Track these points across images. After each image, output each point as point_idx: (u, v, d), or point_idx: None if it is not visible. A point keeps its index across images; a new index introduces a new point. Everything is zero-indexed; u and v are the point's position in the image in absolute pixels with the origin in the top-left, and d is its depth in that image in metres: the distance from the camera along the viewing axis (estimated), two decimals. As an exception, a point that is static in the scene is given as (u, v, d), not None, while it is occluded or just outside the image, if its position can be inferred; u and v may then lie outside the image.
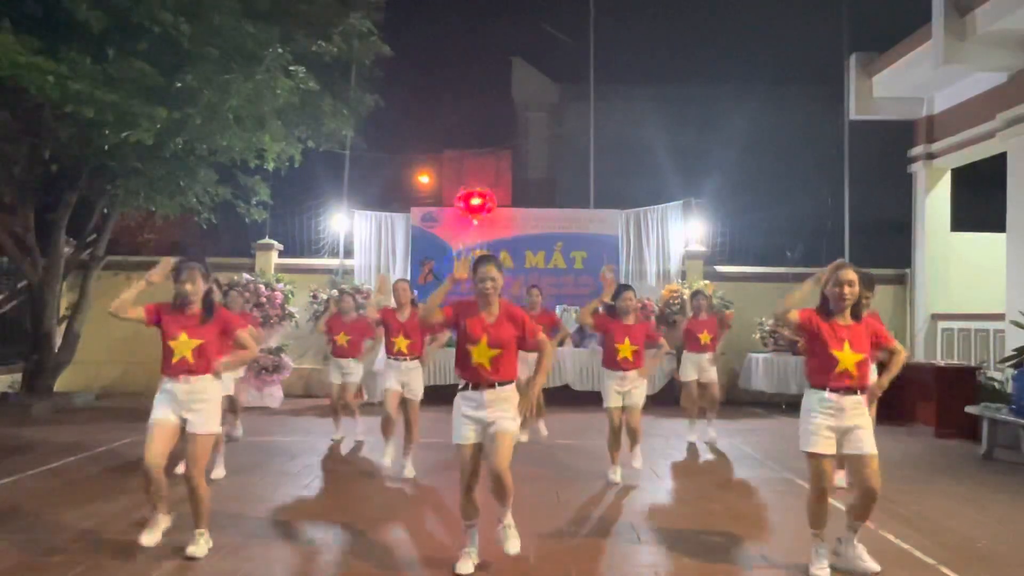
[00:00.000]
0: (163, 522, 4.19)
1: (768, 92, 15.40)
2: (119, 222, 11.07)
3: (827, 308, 4.00)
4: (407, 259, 12.00)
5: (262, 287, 10.80)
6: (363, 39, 10.67)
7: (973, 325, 10.36)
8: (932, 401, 8.71)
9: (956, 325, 10.73)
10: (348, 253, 12.08)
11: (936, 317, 11.19)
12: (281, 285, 11.05)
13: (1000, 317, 9.29)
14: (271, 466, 6.50)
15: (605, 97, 13.50)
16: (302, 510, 5.14)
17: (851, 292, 3.91)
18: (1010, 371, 7.80)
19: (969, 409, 7.72)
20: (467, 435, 3.91)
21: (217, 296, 6.13)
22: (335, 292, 10.95)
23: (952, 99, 10.79)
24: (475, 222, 11.95)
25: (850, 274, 3.92)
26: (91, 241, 10.87)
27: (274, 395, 10.58)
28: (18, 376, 10.41)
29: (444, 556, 4.10)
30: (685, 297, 10.62)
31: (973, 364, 9.50)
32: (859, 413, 3.89)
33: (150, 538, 4.10)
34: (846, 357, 3.87)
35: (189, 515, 4.15)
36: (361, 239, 12.07)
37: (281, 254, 12.19)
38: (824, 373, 3.92)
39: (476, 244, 11.80)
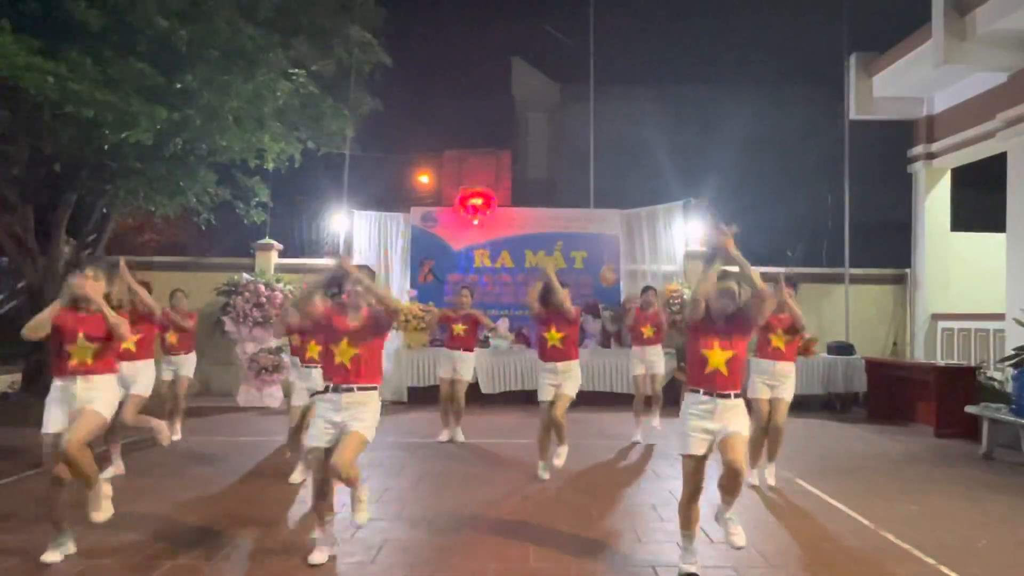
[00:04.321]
0: (68, 542, 4.11)
1: (768, 92, 15.40)
2: (119, 222, 11.06)
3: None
4: (407, 259, 11.99)
5: (262, 287, 10.80)
6: (363, 48, 10.68)
7: (973, 325, 10.36)
8: (932, 401, 8.70)
9: (956, 325, 10.73)
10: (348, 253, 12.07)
11: (936, 317, 11.19)
12: (281, 285, 11.05)
13: (1000, 317, 9.28)
14: (270, 466, 6.49)
15: (605, 97, 13.49)
16: (301, 510, 5.13)
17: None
18: (1010, 371, 7.80)
19: (969, 409, 7.73)
20: (320, 438, 4.01)
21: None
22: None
23: (952, 99, 10.80)
24: (475, 222, 11.94)
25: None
26: (91, 241, 10.86)
27: (274, 395, 10.58)
28: (18, 376, 10.40)
29: (443, 555, 4.11)
30: (686, 297, 10.61)
31: (973, 364, 9.50)
32: (734, 415, 3.95)
33: (53, 556, 4.01)
34: (715, 356, 3.97)
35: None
36: (361, 239, 12.06)
37: (281, 254, 12.17)
38: (697, 372, 4.01)
39: (476, 244, 11.80)
